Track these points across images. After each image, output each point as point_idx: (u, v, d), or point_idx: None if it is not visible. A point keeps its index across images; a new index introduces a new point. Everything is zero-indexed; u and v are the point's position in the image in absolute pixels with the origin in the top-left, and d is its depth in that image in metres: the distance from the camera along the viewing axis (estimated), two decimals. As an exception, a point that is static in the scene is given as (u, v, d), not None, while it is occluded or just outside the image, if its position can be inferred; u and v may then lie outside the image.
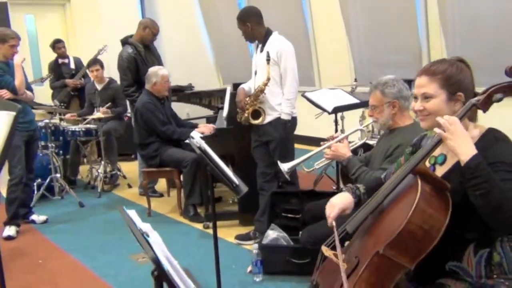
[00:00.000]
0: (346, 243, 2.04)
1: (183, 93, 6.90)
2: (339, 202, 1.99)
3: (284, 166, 2.92)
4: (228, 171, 2.88)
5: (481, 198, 1.59)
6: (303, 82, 7.11)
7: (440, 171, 1.82)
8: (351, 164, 2.67)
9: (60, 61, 6.59)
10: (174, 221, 4.55)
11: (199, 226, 4.34)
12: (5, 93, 4.17)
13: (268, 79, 3.66)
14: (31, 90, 4.54)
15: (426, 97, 1.81)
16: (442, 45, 5.32)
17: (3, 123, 1.89)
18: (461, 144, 1.63)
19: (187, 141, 3.12)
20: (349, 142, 3.00)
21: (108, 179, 5.58)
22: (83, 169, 6.00)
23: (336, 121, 4.97)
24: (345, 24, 6.34)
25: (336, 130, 4.35)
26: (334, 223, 1.93)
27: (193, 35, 8.52)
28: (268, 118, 3.83)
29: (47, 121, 5.11)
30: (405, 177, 1.79)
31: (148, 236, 1.44)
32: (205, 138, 4.28)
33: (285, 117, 3.76)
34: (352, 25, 6.32)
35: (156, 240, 1.45)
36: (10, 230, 4.19)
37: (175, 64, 7.92)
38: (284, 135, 3.80)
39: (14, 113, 1.91)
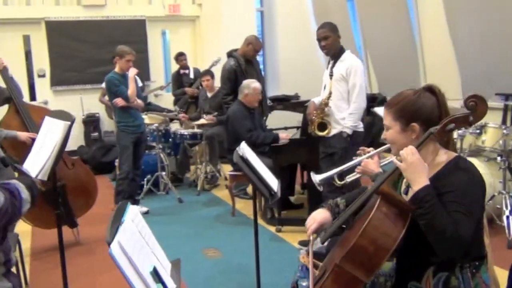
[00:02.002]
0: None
1: (289, 102, 7.24)
2: (319, 217, 2.16)
3: (316, 178, 3.08)
4: (269, 180, 3.16)
5: (424, 226, 1.70)
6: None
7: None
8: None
9: (181, 71, 7.41)
10: (252, 222, 4.90)
11: (273, 228, 4.64)
12: (119, 101, 4.95)
13: (330, 93, 3.84)
14: (142, 99, 5.28)
15: (387, 127, 1.93)
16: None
17: (59, 131, 2.43)
18: (415, 174, 1.74)
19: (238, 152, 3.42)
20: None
21: (208, 179, 6.16)
22: (193, 169, 6.69)
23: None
24: (452, 37, 6.12)
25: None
26: (312, 236, 2.13)
27: (308, 48, 8.79)
28: (333, 131, 4.01)
29: (156, 125, 5.84)
30: (371, 195, 1.92)
31: (121, 225, 1.78)
32: (281, 146, 4.64)
33: (346, 130, 3.90)
34: (459, 38, 6.06)
35: (128, 230, 1.79)
36: (115, 218, 4.93)
37: (287, 74, 8.34)
38: (347, 148, 3.93)
39: (69, 123, 2.44)
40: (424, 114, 1.83)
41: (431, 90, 1.88)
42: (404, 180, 2.00)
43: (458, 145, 4.47)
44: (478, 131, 4.46)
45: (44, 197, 3.73)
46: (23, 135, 3.87)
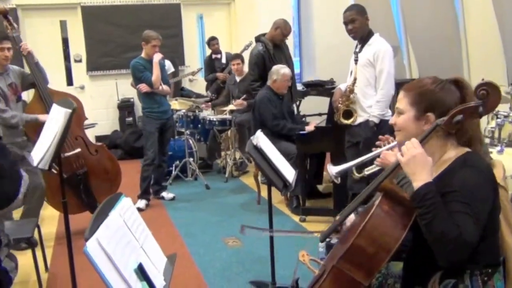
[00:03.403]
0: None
1: (323, 88, 7.03)
2: None
3: (333, 169, 2.91)
4: (285, 170, 3.04)
5: (424, 227, 1.56)
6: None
7: None
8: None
9: (213, 56, 7.32)
10: (277, 210, 4.78)
11: (297, 218, 4.51)
12: (143, 87, 4.91)
13: (355, 79, 3.65)
14: (168, 85, 5.22)
15: (399, 112, 1.77)
16: None
17: (61, 118, 2.38)
18: (416, 169, 1.59)
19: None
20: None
21: (237, 166, 6.08)
22: (223, 155, 6.62)
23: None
24: (498, 22, 5.71)
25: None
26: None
27: (345, 33, 8.48)
28: (359, 119, 3.81)
29: (184, 110, 5.79)
30: (373, 193, 1.78)
31: (105, 218, 1.69)
32: (306, 134, 4.48)
33: (373, 119, 3.70)
34: (505, 23, 5.65)
35: (112, 225, 1.70)
36: (140, 203, 4.93)
37: (323, 59, 8.10)
38: (372, 137, 3.72)
39: (70, 111, 2.38)
40: (443, 107, 1.67)
41: (457, 83, 1.70)
42: None
43: (496, 135, 4.17)
44: (518, 120, 4.15)
45: (67, 182, 3.77)
46: (43, 117, 3.81)
